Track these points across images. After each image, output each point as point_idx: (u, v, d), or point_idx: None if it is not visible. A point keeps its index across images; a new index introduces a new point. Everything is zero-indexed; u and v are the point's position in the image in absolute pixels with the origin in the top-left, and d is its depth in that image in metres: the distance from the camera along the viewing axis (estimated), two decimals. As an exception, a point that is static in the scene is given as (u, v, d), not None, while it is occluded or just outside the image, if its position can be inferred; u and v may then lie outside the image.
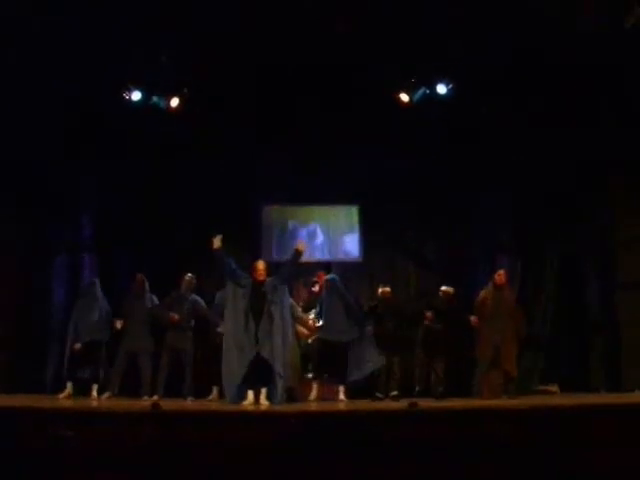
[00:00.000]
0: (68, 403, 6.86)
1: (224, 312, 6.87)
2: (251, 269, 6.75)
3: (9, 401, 6.31)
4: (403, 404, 5.54)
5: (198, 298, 8.03)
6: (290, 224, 9.83)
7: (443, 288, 8.17)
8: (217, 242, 6.64)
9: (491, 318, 7.68)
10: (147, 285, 8.07)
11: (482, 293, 7.95)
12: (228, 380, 6.52)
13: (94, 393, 7.74)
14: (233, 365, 6.47)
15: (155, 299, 8.07)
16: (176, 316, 7.75)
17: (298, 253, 6.85)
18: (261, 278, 6.68)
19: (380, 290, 8.06)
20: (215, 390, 7.66)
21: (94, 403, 6.99)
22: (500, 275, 7.90)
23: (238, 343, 6.48)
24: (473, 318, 7.75)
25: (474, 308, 7.85)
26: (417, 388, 7.92)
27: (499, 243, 9.51)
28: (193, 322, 7.97)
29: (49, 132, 8.76)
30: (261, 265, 6.76)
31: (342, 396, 7.45)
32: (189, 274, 8.06)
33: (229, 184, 9.38)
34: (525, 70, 8.38)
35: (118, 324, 7.79)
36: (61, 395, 7.57)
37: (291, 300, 7.59)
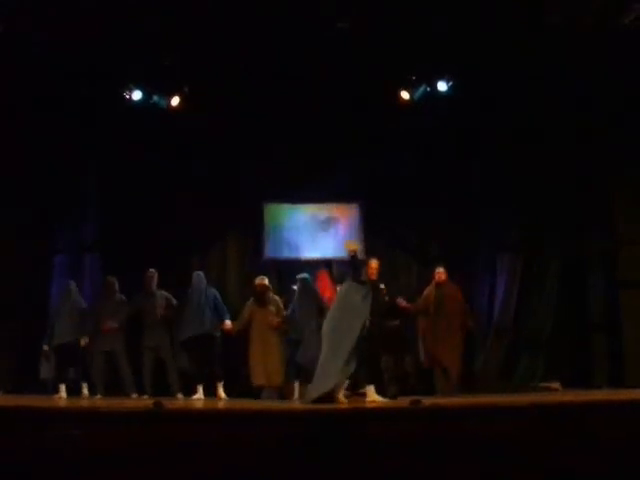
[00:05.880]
0: (70, 403, 6.86)
1: (332, 309, 6.27)
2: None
3: (11, 401, 6.32)
4: (404, 402, 5.54)
5: (167, 294, 8.07)
6: (290, 222, 9.79)
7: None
8: (353, 245, 6.46)
9: (434, 315, 7.76)
10: (117, 286, 8.13)
11: (425, 291, 8.01)
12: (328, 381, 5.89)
13: (85, 391, 7.80)
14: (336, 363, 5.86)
15: (124, 300, 8.10)
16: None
17: None
18: (374, 277, 6.38)
19: None
20: (200, 389, 7.57)
21: (98, 402, 7.00)
22: (439, 273, 7.95)
23: (340, 341, 5.88)
24: (400, 300, 7.67)
25: (417, 305, 7.88)
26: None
27: (501, 242, 9.50)
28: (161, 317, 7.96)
29: (50, 131, 8.75)
30: (375, 264, 6.45)
31: None
32: (151, 269, 8.07)
33: (230, 183, 9.35)
34: (526, 68, 8.36)
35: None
36: (56, 397, 7.54)
37: (277, 297, 7.85)
